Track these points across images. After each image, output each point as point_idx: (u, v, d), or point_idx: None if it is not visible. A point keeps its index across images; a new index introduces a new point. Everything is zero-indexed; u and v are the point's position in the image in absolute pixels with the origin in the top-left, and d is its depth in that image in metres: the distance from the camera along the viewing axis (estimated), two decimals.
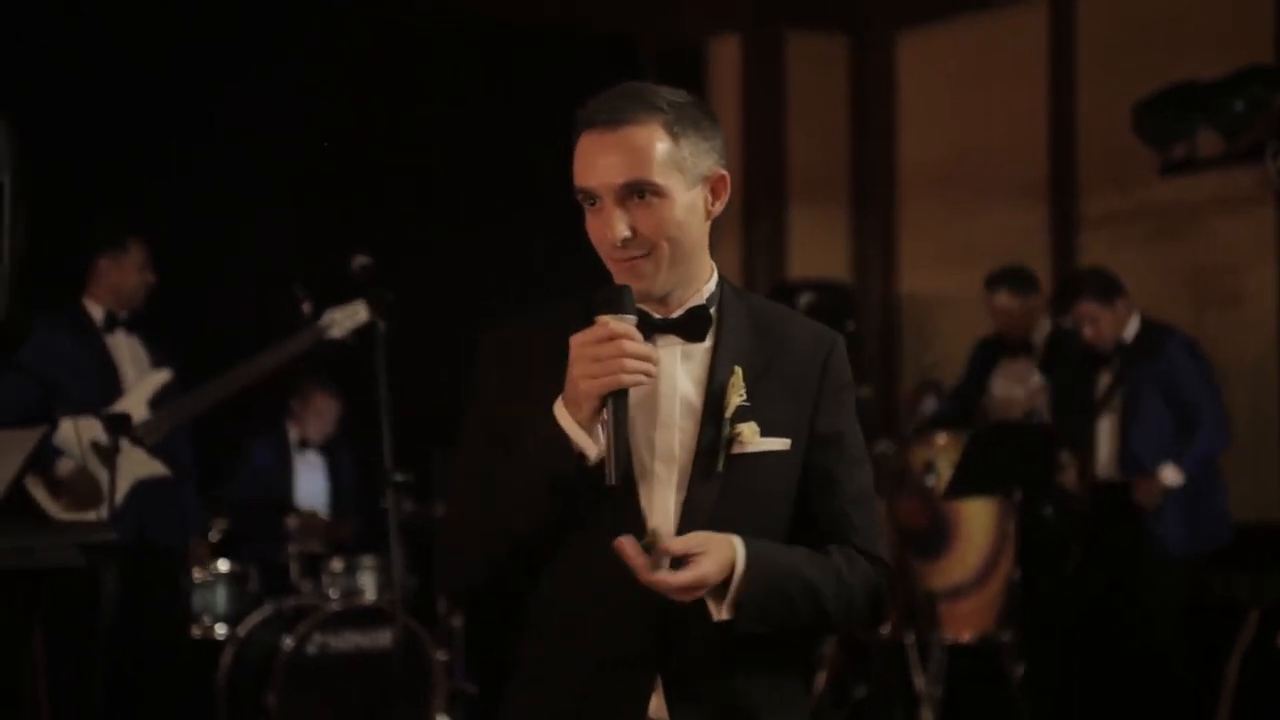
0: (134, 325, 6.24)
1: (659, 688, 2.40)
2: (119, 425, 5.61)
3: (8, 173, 2.54)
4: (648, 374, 2.32)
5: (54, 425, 5.25)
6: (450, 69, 8.06)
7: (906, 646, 6.44)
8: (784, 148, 9.07)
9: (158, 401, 6.04)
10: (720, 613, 2.35)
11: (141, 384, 6.10)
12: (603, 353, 2.29)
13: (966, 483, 6.21)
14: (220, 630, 6.48)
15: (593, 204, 2.40)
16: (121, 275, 6.22)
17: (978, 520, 6.31)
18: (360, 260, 5.69)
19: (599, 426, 2.32)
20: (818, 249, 9.08)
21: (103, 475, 5.68)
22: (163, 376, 6.11)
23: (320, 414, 7.45)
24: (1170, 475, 6.43)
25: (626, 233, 2.37)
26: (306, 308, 6.36)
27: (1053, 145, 8.27)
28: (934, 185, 8.84)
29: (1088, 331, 6.63)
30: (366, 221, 7.28)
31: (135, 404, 5.98)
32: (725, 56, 9.18)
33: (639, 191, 2.37)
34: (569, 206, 2.46)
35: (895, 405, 8.50)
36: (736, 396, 2.41)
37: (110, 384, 6.06)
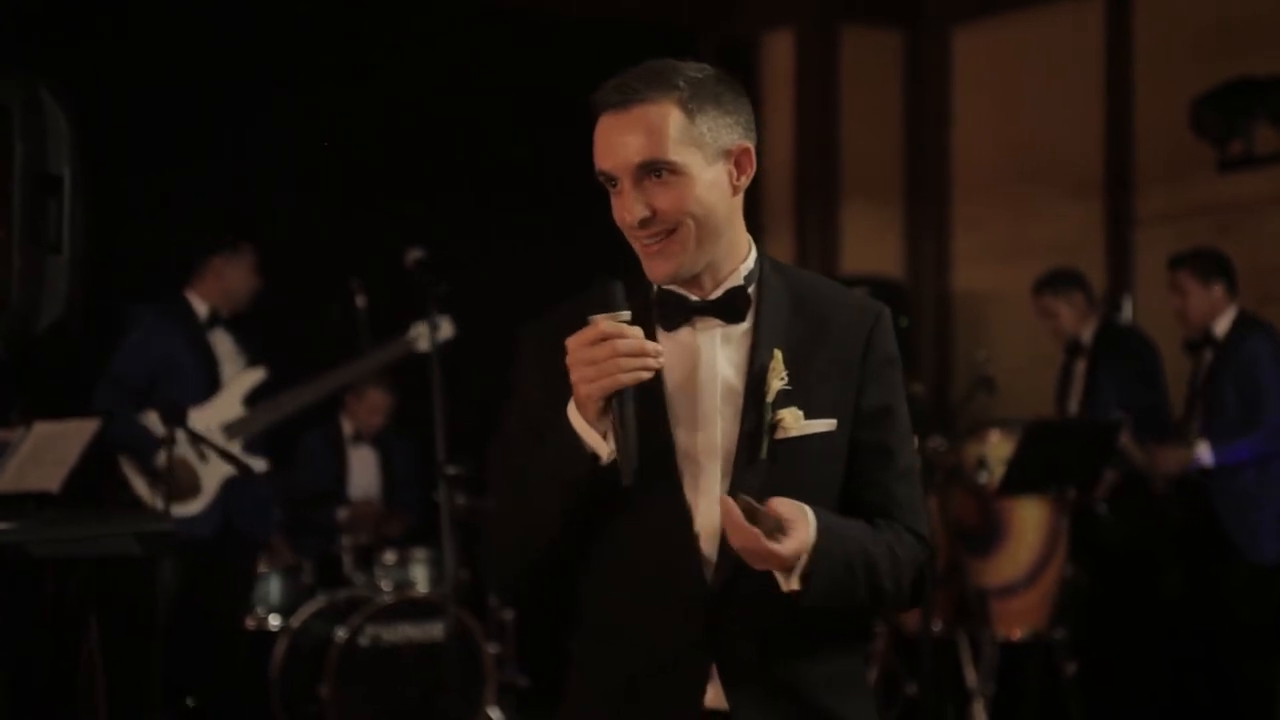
0: (230, 323, 6.32)
1: (714, 677, 2.37)
2: (176, 418, 5.68)
3: (68, 166, 2.57)
4: (646, 369, 2.28)
5: (106, 421, 5.34)
6: (507, 65, 8.07)
7: (958, 643, 6.42)
8: (838, 142, 9.04)
9: (251, 399, 6.14)
10: (789, 583, 2.29)
11: (237, 381, 6.19)
12: (597, 355, 2.26)
13: (1020, 480, 6.18)
14: (274, 621, 6.53)
15: (613, 186, 2.37)
16: (236, 276, 6.32)
17: (1030, 518, 6.28)
18: (414, 254, 5.71)
19: (610, 425, 2.30)
20: (871, 245, 9.05)
21: (200, 468, 5.83)
22: (258, 375, 6.21)
23: (374, 408, 7.48)
24: (1203, 453, 6.27)
25: (645, 213, 2.34)
26: (360, 302, 6.44)
27: (1109, 141, 8.21)
28: (989, 181, 8.80)
29: (1174, 303, 6.51)
30: (424, 216, 7.30)
31: (231, 400, 6.11)
32: (780, 51, 9.16)
33: (655, 171, 2.33)
34: None
35: (948, 402, 8.46)
36: (777, 380, 2.37)
37: (211, 379, 6.18)
